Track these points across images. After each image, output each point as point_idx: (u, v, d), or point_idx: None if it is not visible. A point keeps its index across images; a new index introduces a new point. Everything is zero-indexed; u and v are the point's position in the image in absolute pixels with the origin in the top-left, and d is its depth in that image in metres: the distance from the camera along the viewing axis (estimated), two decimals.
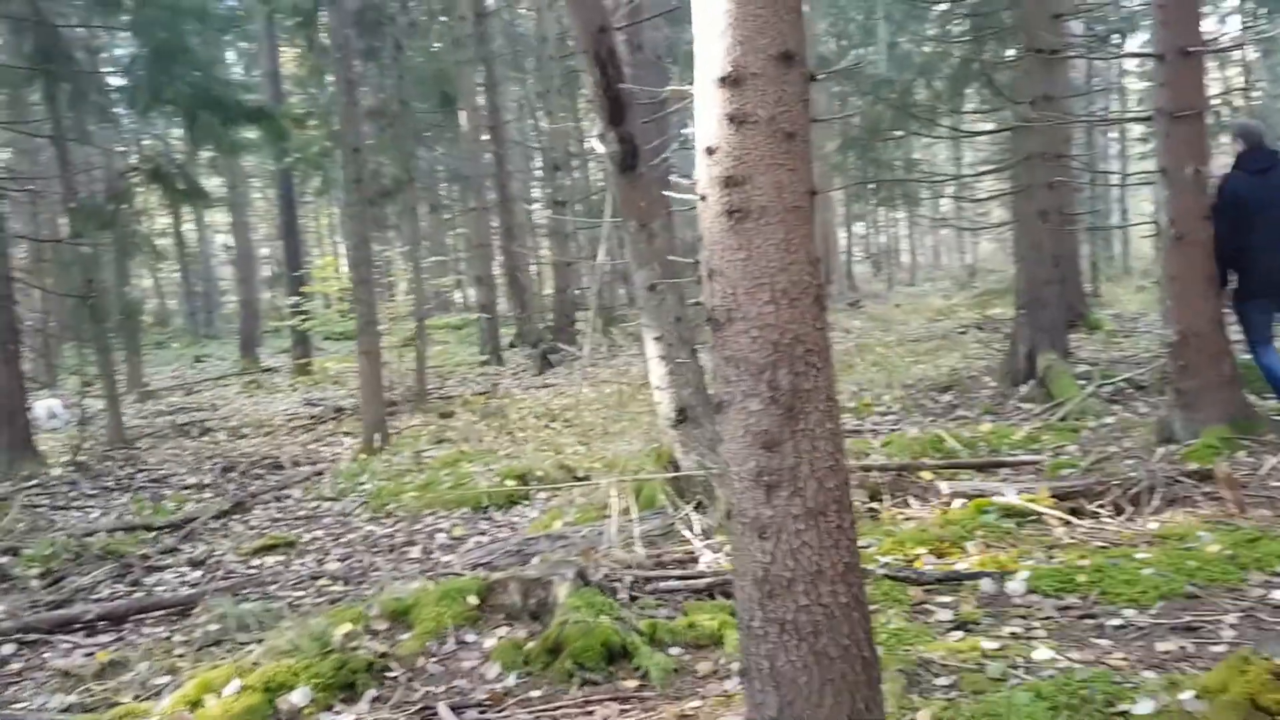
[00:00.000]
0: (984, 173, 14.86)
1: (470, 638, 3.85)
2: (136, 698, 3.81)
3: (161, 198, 9.82)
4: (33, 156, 14.93)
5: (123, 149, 11.13)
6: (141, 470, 8.97)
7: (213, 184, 21.45)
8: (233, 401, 15.42)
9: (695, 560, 4.51)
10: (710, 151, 2.10)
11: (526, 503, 6.75)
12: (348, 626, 3.93)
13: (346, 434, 10.60)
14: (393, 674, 3.60)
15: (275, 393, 16.14)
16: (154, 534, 6.57)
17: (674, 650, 3.50)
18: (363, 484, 7.57)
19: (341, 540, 6.23)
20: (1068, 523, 4.51)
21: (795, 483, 2.08)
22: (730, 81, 2.04)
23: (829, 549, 2.10)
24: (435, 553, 5.85)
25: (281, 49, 17.01)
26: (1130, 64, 19.16)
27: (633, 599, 4.00)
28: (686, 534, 4.80)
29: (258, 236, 35.04)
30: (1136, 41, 14.99)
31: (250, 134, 10.23)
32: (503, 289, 17.70)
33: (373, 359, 8.24)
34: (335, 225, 42.26)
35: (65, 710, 3.75)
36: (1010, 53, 11.21)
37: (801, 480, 2.08)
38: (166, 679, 4.01)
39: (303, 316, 14.05)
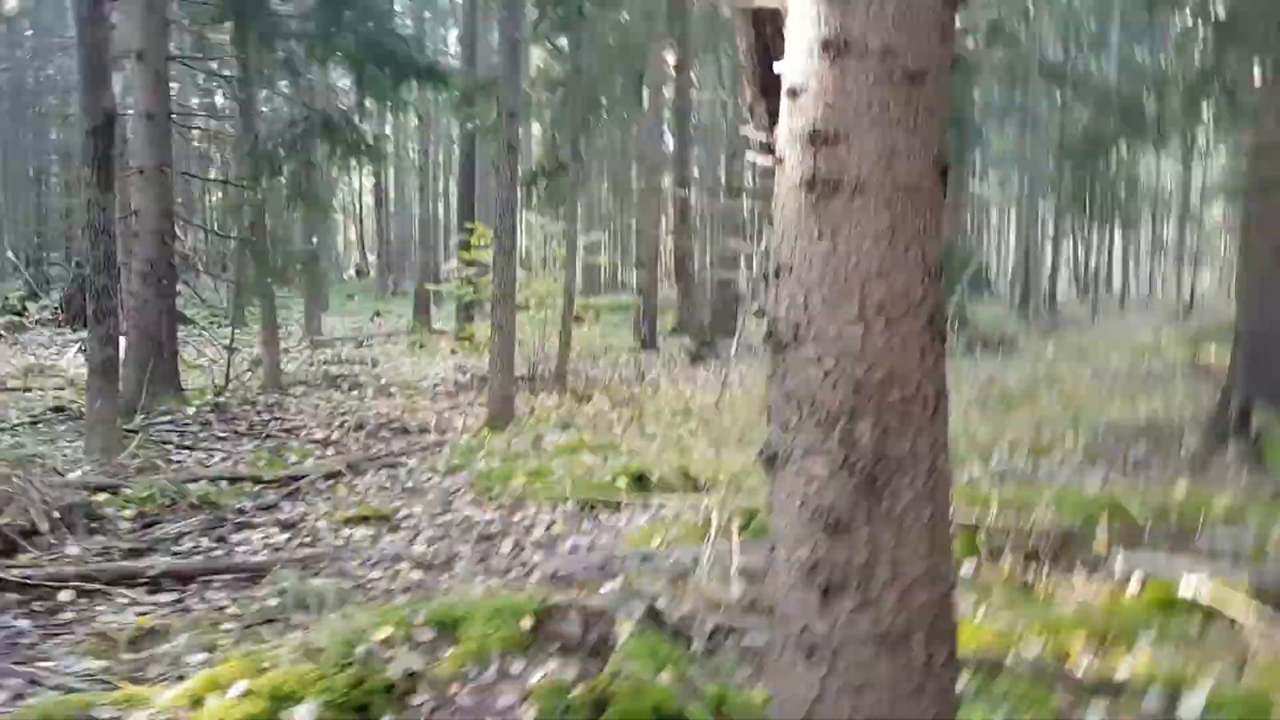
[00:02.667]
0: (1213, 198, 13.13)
1: (516, 668, 3.33)
2: (160, 676, 3.52)
3: (334, 151, 9.82)
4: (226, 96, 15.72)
5: (304, 100, 11.29)
6: (277, 418, 9.01)
7: (408, 148, 22.08)
8: (394, 360, 15.67)
9: None
10: (794, 94, 1.45)
11: (638, 506, 6.22)
12: (388, 631, 3.50)
13: (483, 405, 10.39)
14: (417, 701, 3.13)
15: (435, 355, 16.32)
16: (259, 487, 6.45)
17: None
18: (477, 462, 7.25)
19: (437, 520, 5.89)
20: (1269, 630, 3.55)
21: (866, 590, 1.41)
22: None
23: (908, 697, 1.41)
24: (526, 549, 5.41)
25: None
26: None
27: (709, 652, 3.38)
28: None
29: (444, 202, 36.08)
30: None
31: (427, 92, 10.10)
32: (669, 275, 17.26)
33: (506, 334, 7.92)
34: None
35: (85, 677, 3.51)
36: (1256, 68, 9.73)
37: (876, 587, 1.41)
38: (202, 656, 3.73)
39: (463, 282, 14.02)
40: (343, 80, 11.76)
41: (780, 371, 1.48)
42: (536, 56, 16.40)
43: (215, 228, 12.42)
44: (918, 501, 1.42)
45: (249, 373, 11.15)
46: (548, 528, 5.75)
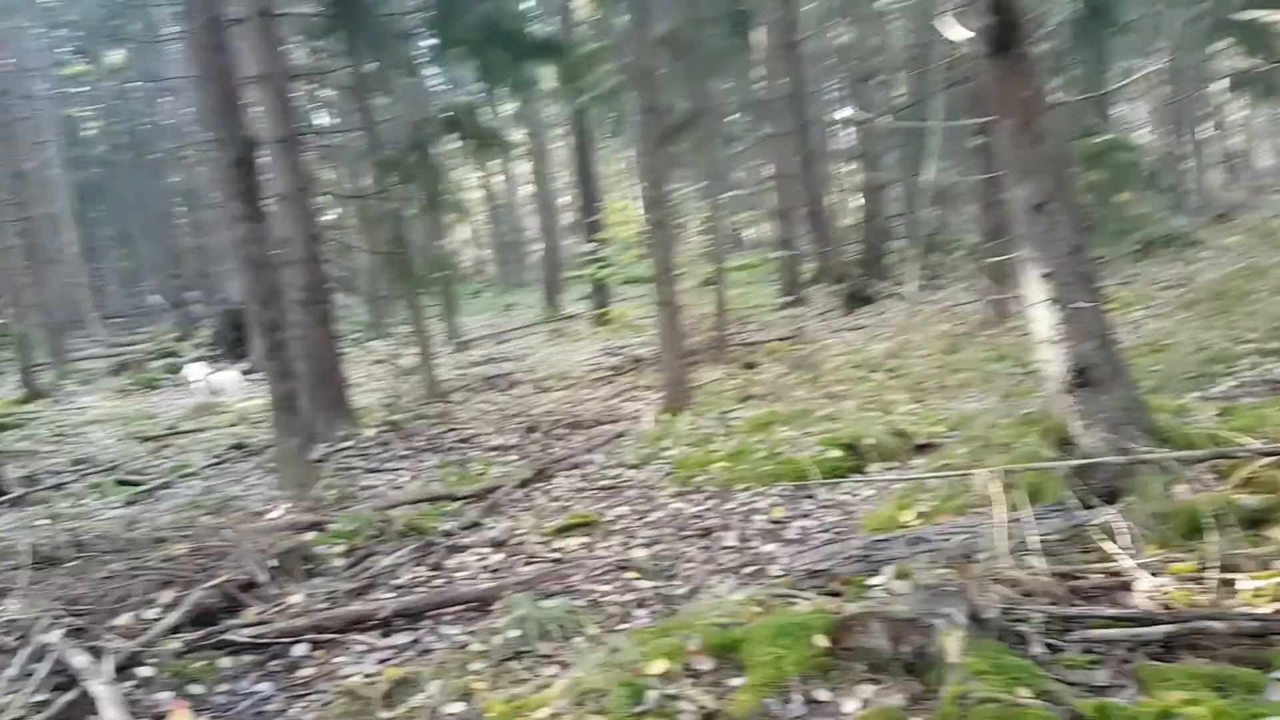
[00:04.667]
0: None
1: (823, 695, 2.89)
2: None
3: (461, 148, 9.57)
4: (335, 110, 15.74)
5: (425, 100, 11.08)
6: (452, 429, 8.87)
7: (516, 136, 21.94)
8: (537, 351, 15.56)
9: (1127, 587, 3.25)
10: None
11: (857, 477, 5.71)
12: (663, 665, 3.11)
13: (647, 388, 10.05)
14: None
15: (577, 340, 16.13)
16: (457, 504, 6.22)
17: None
18: (666, 449, 6.87)
19: (647, 519, 5.53)
20: None
21: None
22: None
23: None
24: (754, 541, 4.98)
25: None
26: None
27: (1052, 651, 2.85)
28: (1106, 545, 3.52)
29: (558, 185, 36.03)
30: None
31: (541, 70, 9.73)
32: (799, 222, 16.50)
33: (671, 310, 7.49)
34: (629, 169, 42.86)
35: None
36: None
37: None
38: (459, 707, 3.43)
39: (598, 263, 13.70)
40: (459, 74, 11.50)
41: None
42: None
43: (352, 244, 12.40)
44: None
45: (406, 386, 11.08)
46: (768, 514, 5.31)
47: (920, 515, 4.47)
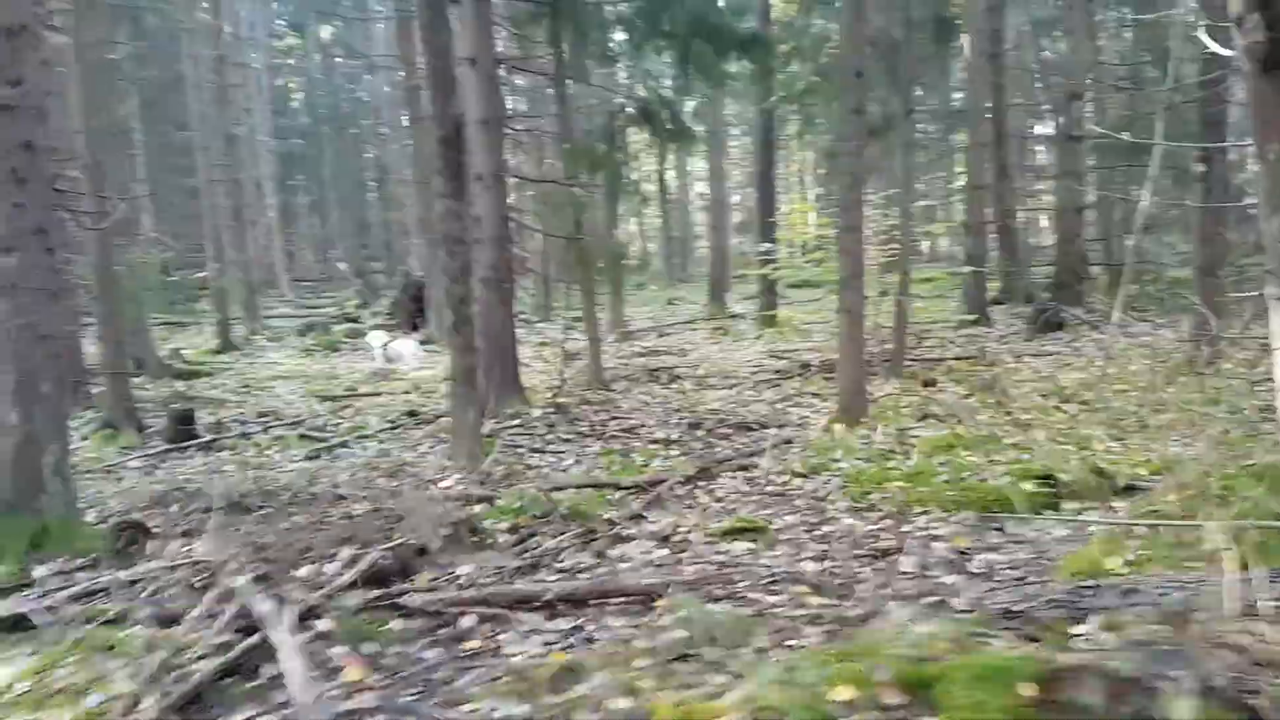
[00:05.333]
0: None
1: None
2: None
3: (650, 139, 9.58)
4: (532, 96, 16.09)
5: (616, 91, 11.19)
6: (614, 418, 8.89)
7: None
8: (700, 347, 15.50)
9: None
10: None
11: (1050, 514, 5.33)
12: (849, 693, 2.92)
13: (814, 395, 9.81)
14: None
15: (740, 340, 15.99)
16: (620, 493, 6.20)
17: None
18: (837, 461, 6.63)
19: (817, 532, 5.32)
20: None
21: None
22: None
23: None
24: (933, 569, 4.69)
25: None
26: None
27: None
28: None
29: (730, 183, 35.94)
30: None
31: (738, 68, 9.63)
32: (987, 238, 15.75)
33: (854, 317, 7.23)
34: (808, 171, 42.28)
35: None
36: None
37: None
38: (625, 703, 3.35)
39: (772, 264, 13.49)
40: (663, 72, 11.55)
41: None
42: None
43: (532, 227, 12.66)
44: None
45: (571, 370, 11.20)
46: (950, 541, 5.01)
47: (1129, 564, 4.09)
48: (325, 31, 45.78)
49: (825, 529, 5.35)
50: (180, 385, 12.47)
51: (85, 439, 8.79)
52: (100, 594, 4.11)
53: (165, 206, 27.88)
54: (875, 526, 5.32)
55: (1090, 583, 3.87)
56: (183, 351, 15.83)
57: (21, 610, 3.88)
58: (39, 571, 4.47)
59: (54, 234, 4.88)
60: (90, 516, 5.29)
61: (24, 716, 3.16)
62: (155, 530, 4.94)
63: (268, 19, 39.97)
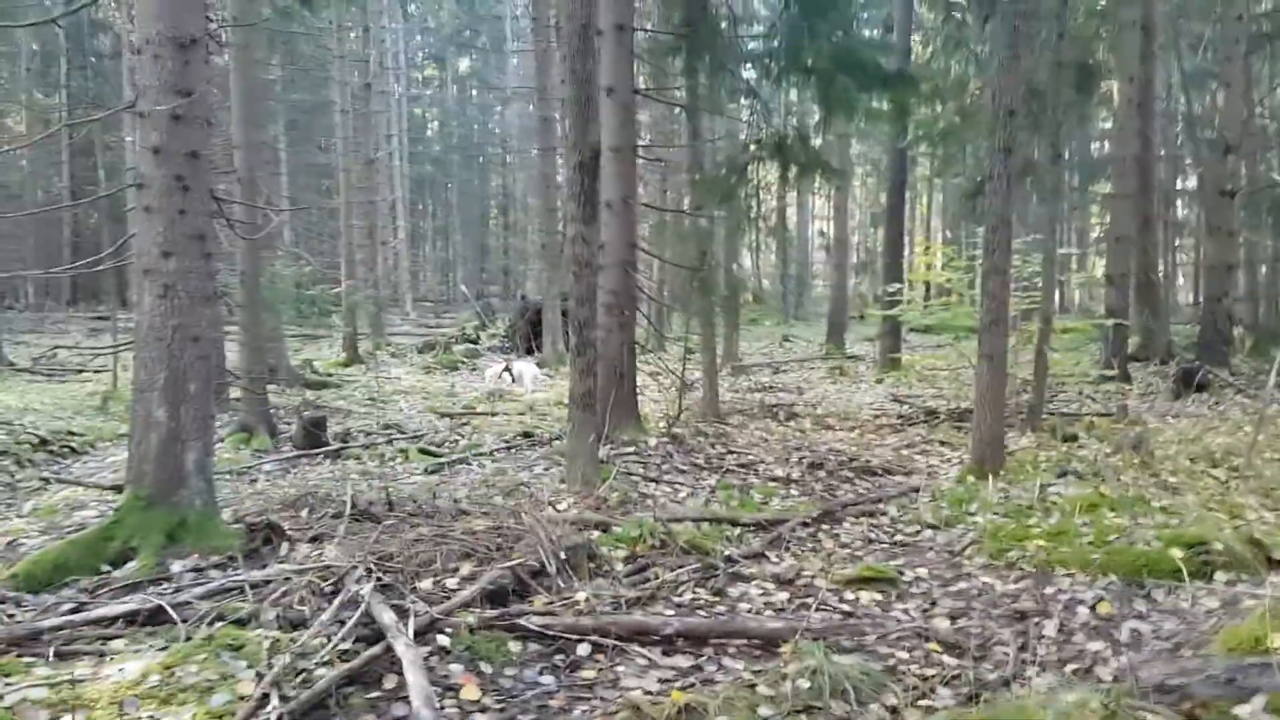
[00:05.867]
0: None
1: None
2: None
3: (783, 174, 9.47)
4: (662, 127, 16.22)
5: (748, 122, 11.15)
6: (730, 451, 8.72)
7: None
8: (817, 386, 15.23)
9: None
10: None
11: (1201, 584, 4.92)
12: None
13: (942, 443, 9.47)
14: None
15: (859, 383, 15.64)
16: (739, 530, 6.04)
17: None
18: (971, 514, 6.32)
19: (950, 588, 5.05)
20: None
21: None
22: None
23: None
24: (1078, 635, 4.38)
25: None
26: None
27: None
28: None
29: (854, 221, 35.53)
30: None
31: (877, 105, 9.46)
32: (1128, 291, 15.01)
33: (997, 364, 6.92)
34: (936, 214, 41.46)
35: None
36: None
37: None
38: None
39: (900, 306, 13.15)
40: (795, 106, 11.52)
41: None
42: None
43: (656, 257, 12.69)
44: None
45: (688, 401, 11.09)
46: (1092, 607, 4.67)
47: None
48: (463, 64, 47.46)
49: (960, 585, 5.09)
50: (310, 395, 12.87)
51: (222, 440, 9.11)
52: (233, 592, 4.17)
53: (305, 223, 29.15)
54: (1014, 585, 5.03)
55: (1254, 660, 3.54)
56: (314, 363, 16.41)
57: (157, 604, 3.97)
58: (175, 566, 4.59)
59: (210, 241, 5.05)
60: (226, 515, 5.41)
61: (151, 710, 3.19)
62: (288, 532, 5.02)
63: (411, 49, 41.68)
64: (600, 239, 8.28)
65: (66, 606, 4.17)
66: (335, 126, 23.83)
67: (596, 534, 5.52)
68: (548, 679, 3.84)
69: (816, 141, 17.57)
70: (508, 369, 14.48)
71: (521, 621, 4.14)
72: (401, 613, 3.99)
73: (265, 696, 3.20)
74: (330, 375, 15.59)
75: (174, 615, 3.86)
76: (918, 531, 6.13)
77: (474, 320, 27.36)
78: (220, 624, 3.81)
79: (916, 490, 7.17)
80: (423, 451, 8.75)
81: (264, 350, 10.22)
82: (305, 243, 27.13)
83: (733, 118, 12.98)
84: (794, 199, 36.16)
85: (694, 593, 4.89)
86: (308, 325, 19.40)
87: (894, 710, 3.60)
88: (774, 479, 7.79)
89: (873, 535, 6.10)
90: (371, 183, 24.12)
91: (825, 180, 9.96)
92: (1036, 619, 4.55)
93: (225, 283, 10.24)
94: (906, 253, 19.17)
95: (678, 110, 12.98)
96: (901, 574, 5.19)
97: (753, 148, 9.51)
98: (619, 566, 5.12)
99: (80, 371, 15.00)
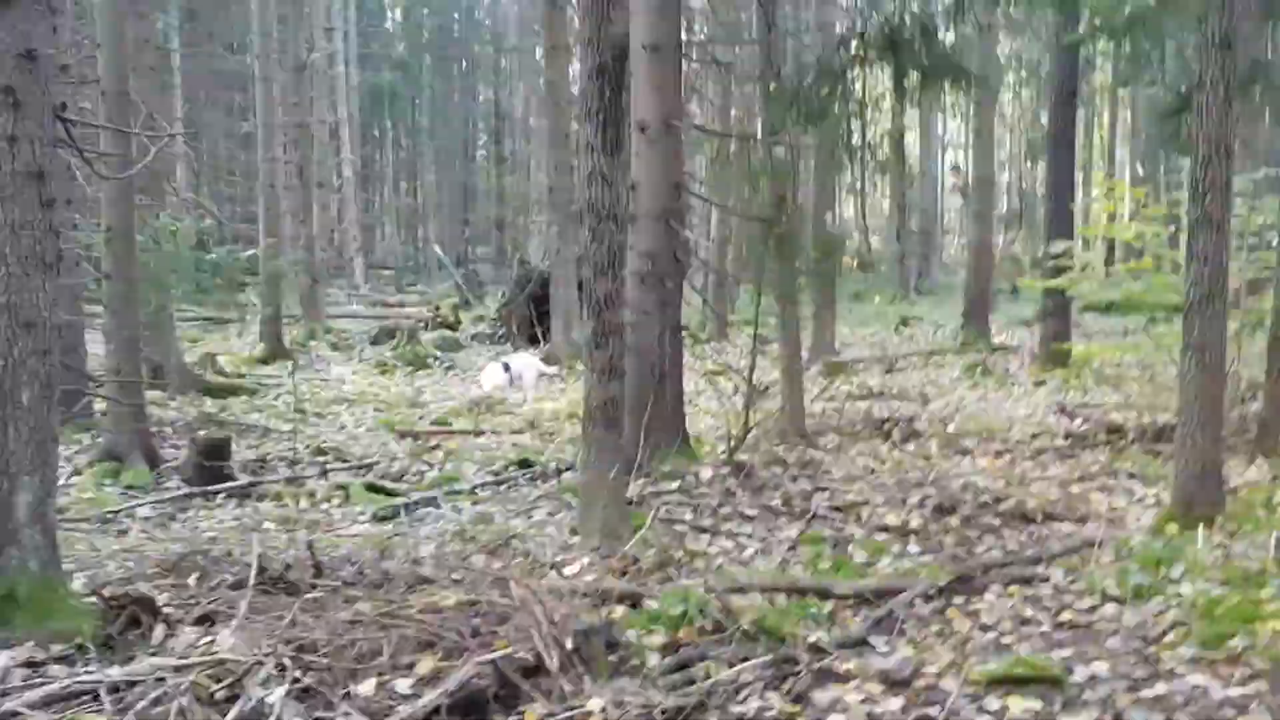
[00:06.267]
0: None
1: None
2: None
3: (898, 82, 9.40)
4: (723, 16, 16.01)
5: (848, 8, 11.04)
6: (820, 488, 8.74)
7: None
8: (950, 392, 15.22)
9: None
10: None
11: None
12: None
13: (1131, 475, 9.38)
14: None
15: (1010, 386, 15.61)
16: (832, 606, 6.00)
17: None
18: (1175, 581, 6.24)
19: (1142, 693, 4.95)
20: None
21: None
22: None
23: None
24: None
25: None
26: None
27: None
28: None
29: (1000, 154, 35.31)
30: None
31: None
32: None
33: (1211, 360, 6.79)
34: (1122, 139, 41.07)
35: None
36: None
37: None
38: None
39: (1070, 274, 13.01)
40: None
41: None
42: None
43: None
44: None
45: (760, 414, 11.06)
46: None
47: None
48: None
49: (1157, 688, 5.01)
50: (211, 405, 12.96)
51: (78, 472, 9.18)
52: (82, 698, 4.15)
53: (207, 158, 29.49)
54: (1240, 690, 4.94)
55: None
56: (218, 359, 16.55)
57: None
58: (0, 660, 4.57)
59: (54, 182, 5.01)
60: (78, 584, 5.41)
61: None
62: (165, 610, 5.01)
63: None
64: (631, 178, 8.25)
65: None
66: (251, 17, 24.02)
67: (621, 611, 5.57)
68: None
69: (947, 36, 17.46)
70: (507, 369, 14.52)
71: None
72: None
73: None
74: (242, 377, 15.74)
75: None
76: (1094, 607, 6.08)
77: (452, 297, 27.60)
78: None
79: (1093, 545, 7.11)
80: (371, 489, 8.79)
81: (140, 342, 10.26)
82: (207, 186, 27.48)
83: (826, 1, 12.90)
84: (915, 120, 36.03)
85: (762, 699, 4.87)
86: (210, 305, 19.58)
87: None
88: (884, 529, 7.84)
89: (1028, 613, 6.08)
90: (304, 99, 24.32)
91: (960, 92, 9.88)
92: None
93: (84, 243, 10.32)
94: (1079, 197, 18.87)
95: None
96: (1070, 671, 5.12)
97: (854, 44, 9.45)
98: (653, 660, 5.12)
99: None
